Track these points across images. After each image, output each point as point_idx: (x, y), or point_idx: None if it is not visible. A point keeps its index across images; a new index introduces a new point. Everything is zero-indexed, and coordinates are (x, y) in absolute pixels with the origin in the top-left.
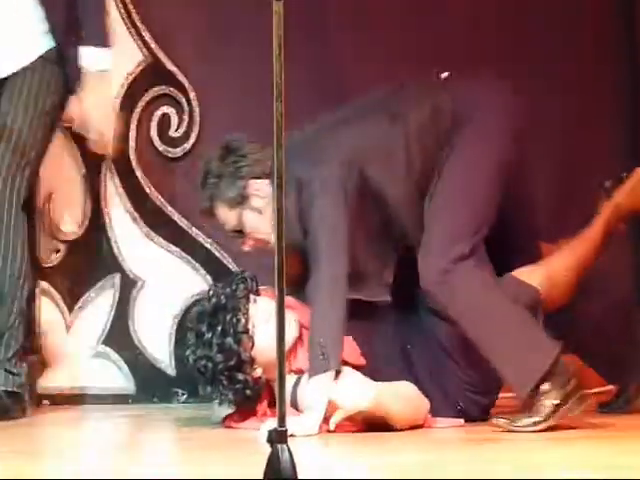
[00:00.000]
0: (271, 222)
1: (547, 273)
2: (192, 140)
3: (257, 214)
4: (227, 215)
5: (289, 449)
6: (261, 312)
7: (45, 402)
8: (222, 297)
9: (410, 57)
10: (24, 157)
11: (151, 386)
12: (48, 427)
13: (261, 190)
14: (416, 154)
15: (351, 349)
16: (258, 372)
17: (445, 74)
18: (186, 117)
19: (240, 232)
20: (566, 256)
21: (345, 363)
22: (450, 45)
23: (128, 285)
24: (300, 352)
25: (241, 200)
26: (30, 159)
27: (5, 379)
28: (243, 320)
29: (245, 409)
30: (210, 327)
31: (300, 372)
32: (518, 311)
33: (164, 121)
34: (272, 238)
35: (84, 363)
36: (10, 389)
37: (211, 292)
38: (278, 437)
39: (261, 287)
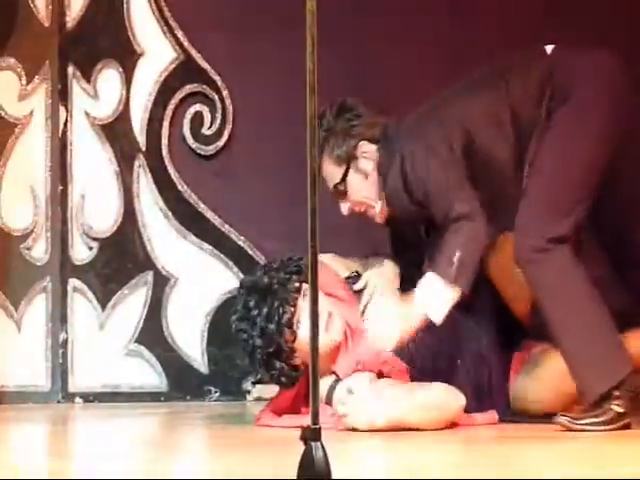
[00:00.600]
0: (375, 188)
1: None
2: (225, 138)
3: (362, 177)
4: (333, 171)
5: (323, 447)
6: (323, 329)
7: (78, 400)
8: (274, 282)
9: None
10: None
11: (183, 384)
12: (80, 425)
13: (370, 153)
14: (521, 120)
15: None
16: (297, 361)
17: (550, 47)
18: (219, 115)
19: (342, 193)
20: None
21: (380, 375)
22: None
23: (161, 283)
24: (341, 358)
25: (348, 159)
26: None
27: None
28: (289, 314)
29: (278, 408)
30: (257, 305)
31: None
32: (604, 313)
33: (197, 119)
34: (375, 205)
35: (117, 361)
36: None
37: (266, 269)
38: (312, 435)
39: (324, 257)
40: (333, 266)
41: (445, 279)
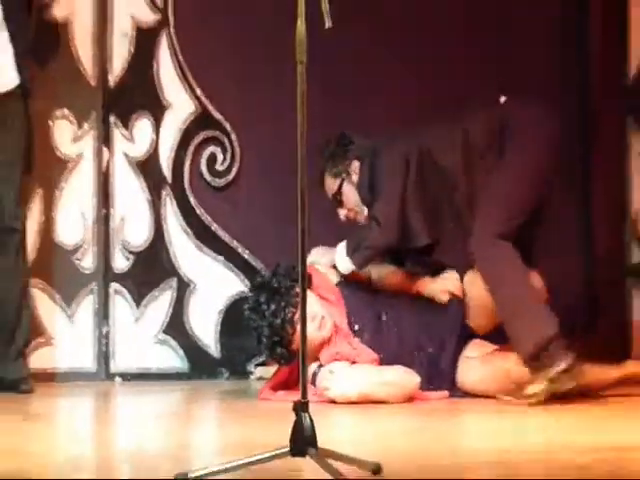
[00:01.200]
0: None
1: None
2: (233, 173)
3: (353, 188)
4: (331, 184)
5: (310, 416)
6: (310, 319)
7: (117, 379)
8: (282, 286)
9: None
10: None
11: (201, 366)
12: (119, 399)
13: (358, 169)
14: (473, 149)
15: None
16: (294, 348)
17: (503, 98)
18: (229, 155)
19: (339, 202)
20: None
21: (354, 362)
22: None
23: (183, 287)
24: (325, 350)
25: (342, 175)
26: None
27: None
28: (291, 313)
29: (275, 385)
30: (266, 301)
31: (320, 363)
32: (535, 290)
33: (211, 158)
34: (362, 210)
35: (148, 348)
36: None
37: (275, 273)
38: (301, 407)
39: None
40: (328, 274)
41: (348, 251)
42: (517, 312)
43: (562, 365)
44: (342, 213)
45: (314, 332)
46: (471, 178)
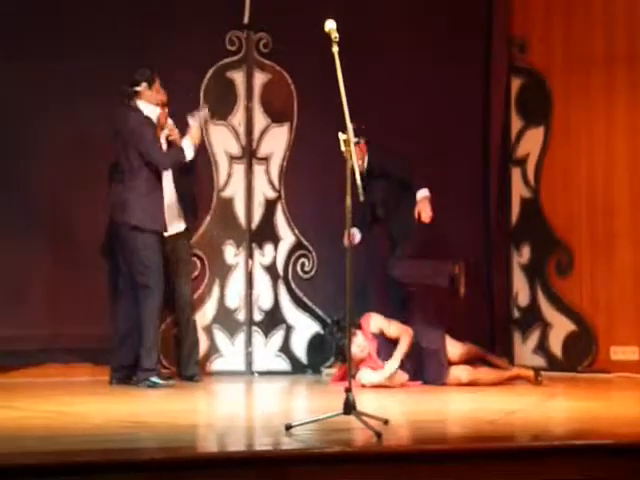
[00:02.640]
0: None
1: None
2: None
3: None
4: None
5: (352, 395)
6: (356, 345)
7: (255, 375)
8: (338, 333)
9: None
10: None
11: (297, 368)
12: (257, 385)
13: None
14: None
15: None
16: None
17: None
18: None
19: None
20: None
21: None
22: None
23: (289, 329)
24: (363, 363)
25: None
26: None
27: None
28: (343, 344)
29: (336, 378)
30: (336, 331)
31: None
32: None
33: (302, 265)
34: None
35: (271, 359)
36: None
37: (339, 319)
38: (348, 390)
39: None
40: (372, 322)
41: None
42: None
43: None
44: None
45: (358, 352)
46: None
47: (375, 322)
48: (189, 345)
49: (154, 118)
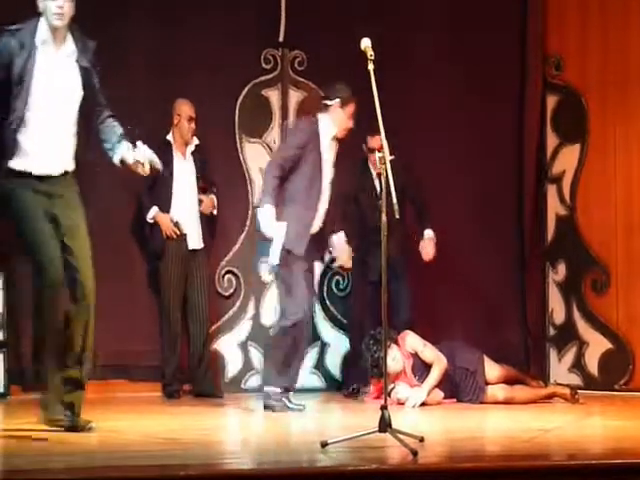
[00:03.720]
0: None
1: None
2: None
3: None
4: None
5: (389, 412)
6: (391, 358)
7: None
8: (374, 346)
9: None
10: None
11: (331, 386)
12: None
13: None
14: None
15: None
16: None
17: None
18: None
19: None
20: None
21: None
22: None
23: (323, 346)
24: (398, 379)
25: None
26: None
27: None
28: (379, 356)
29: (372, 395)
30: (372, 346)
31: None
32: None
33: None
34: None
35: (306, 376)
36: None
37: (376, 334)
38: (384, 406)
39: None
40: (408, 341)
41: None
42: None
43: None
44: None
45: (393, 366)
46: None
47: (410, 342)
48: (207, 361)
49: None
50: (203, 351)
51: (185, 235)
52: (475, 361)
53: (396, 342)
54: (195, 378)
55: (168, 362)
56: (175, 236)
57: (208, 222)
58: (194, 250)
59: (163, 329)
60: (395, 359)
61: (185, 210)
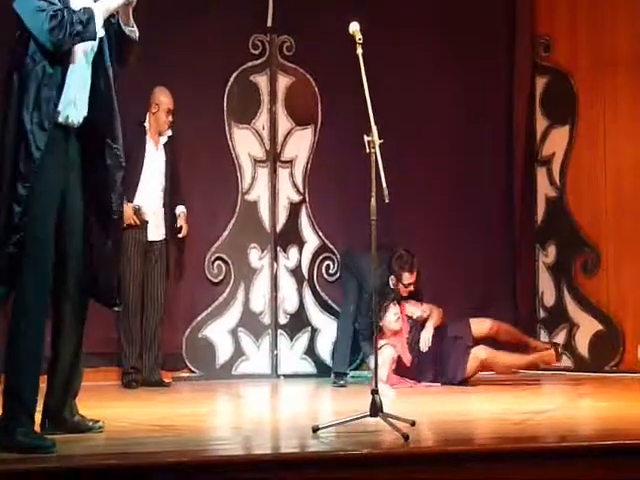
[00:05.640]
0: None
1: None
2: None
3: None
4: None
5: (380, 397)
6: (393, 313)
7: (281, 378)
8: (389, 291)
9: None
10: None
11: (322, 371)
12: (284, 387)
13: None
14: None
15: None
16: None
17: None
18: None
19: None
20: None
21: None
22: None
23: (314, 331)
24: (393, 336)
25: None
26: None
27: None
28: (385, 306)
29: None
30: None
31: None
32: None
33: (327, 267)
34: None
35: (297, 362)
36: None
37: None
38: (374, 391)
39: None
40: (407, 306)
41: None
42: None
43: None
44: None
45: (394, 322)
46: None
47: (410, 308)
48: (156, 351)
49: None
50: (154, 341)
51: (146, 224)
52: (462, 327)
53: (399, 303)
54: (144, 367)
55: (125, 351)
56: (134, 224)
57: (172, 216)
58: (154, 241)
59: (121, 318)
60: (396, 314)
61: (150, 200)
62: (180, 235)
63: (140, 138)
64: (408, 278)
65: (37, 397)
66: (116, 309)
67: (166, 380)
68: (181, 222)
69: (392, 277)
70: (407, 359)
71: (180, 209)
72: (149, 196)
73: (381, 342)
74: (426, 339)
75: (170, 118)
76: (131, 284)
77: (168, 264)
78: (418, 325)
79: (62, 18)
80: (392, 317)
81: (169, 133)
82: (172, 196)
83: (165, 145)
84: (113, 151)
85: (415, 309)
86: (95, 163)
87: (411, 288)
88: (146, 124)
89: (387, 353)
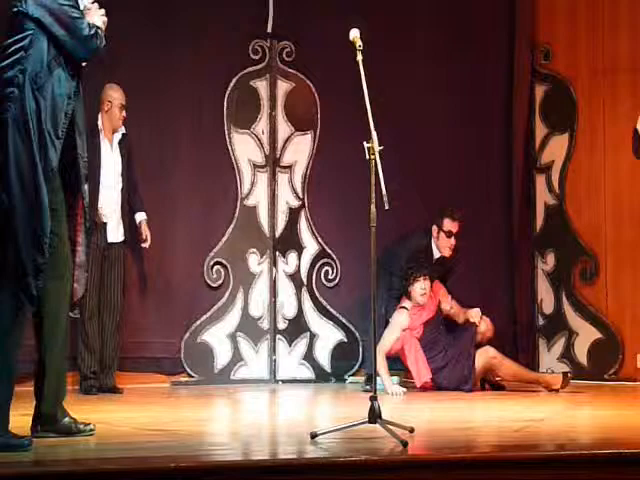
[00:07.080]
0: None
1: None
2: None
3: None
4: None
5: (378, 403)
6: (420, 287)
7: (280, 383)
8: (415, 264)
9: None
10: None
11: (320, 376)
12: (281, 392)
13: None
14: None
15: None
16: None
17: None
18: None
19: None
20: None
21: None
22: None
23: (312, 337)
24: (417, 311)
25: None
26: None
27: None
28: (413, 277)
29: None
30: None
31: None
32: None
33: (325, 273)
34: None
35: (295, 367)
36: None
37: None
38: (373, 398)
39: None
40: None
41: None
42: None
43: None
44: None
45: (420, 295)
46: None
47: (443, 291)
48: (111, 356)
49: None
50: (110, 346)
51: (105, 225)
52: (468, 336)
53: (431, 279)
54: (101, 372)
55: (83, 357)
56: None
57: (130, 217)
58: (112, 243)
59: (79, 323)
60: (423, 289)
61: (108, 200)
62: (144, 245)
63: (95, 139)
64: (449, 224)
65: (10, 394)
66: (71, 315)
67: (119, 386)
68: (144, 231)
69: (434, 227)
70: (417, 335)
71: (140, 216)
72: (107, 196)
73: (405, 303)
74: (477, 312)
75: (124, 114)
76: (89, 288)
77: (125, 267)
78: (441, 316)
79: (95, 27)
80: (419, 290)
81: (123, 130)
82: (131, 195)
83: (120, 143)
84: (84, 162)
85: (446, 300)
86: (67, 172)
87: (452, 241)
88: (99, 123)
89: (401, 318)
